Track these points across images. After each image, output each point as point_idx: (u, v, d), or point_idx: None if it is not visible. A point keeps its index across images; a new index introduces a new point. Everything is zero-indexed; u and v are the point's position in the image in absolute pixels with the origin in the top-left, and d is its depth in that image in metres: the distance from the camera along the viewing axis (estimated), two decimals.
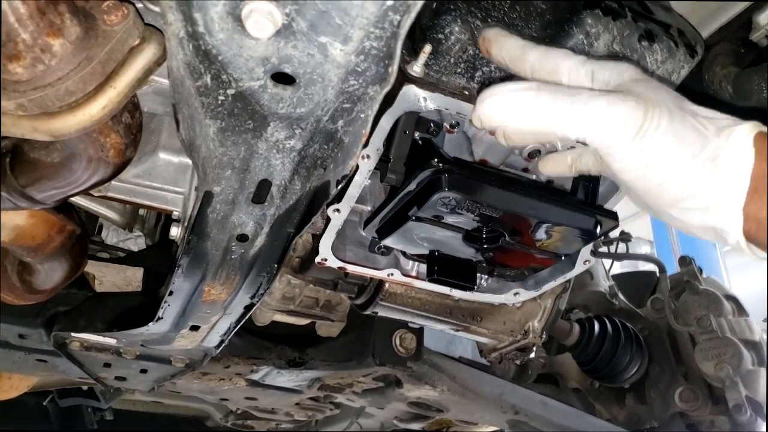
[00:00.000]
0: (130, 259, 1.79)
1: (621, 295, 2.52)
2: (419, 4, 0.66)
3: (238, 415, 2.86)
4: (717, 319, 2.19)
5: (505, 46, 0.88)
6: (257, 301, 1.24)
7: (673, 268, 2.46)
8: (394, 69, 0.76)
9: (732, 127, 0.73)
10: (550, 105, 0.77)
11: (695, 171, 0.73)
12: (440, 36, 0.97)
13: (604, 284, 2.57)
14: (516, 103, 0.78)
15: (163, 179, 1.34)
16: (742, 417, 2.07)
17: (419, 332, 1.85)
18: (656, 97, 0.76)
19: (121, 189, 1.34)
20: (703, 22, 1.38)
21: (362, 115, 0.84)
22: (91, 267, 1.69)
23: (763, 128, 0.74)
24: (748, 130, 0.73)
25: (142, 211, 1.92)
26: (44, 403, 3.12)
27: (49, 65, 0.74)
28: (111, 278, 1.70)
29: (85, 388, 2.90)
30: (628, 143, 0.74)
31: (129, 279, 1.72)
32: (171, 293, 1.20)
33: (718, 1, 1.30)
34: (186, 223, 1.29)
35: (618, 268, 2.90)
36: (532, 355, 1.76)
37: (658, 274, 2.32)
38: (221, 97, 0.80)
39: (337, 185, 0.96)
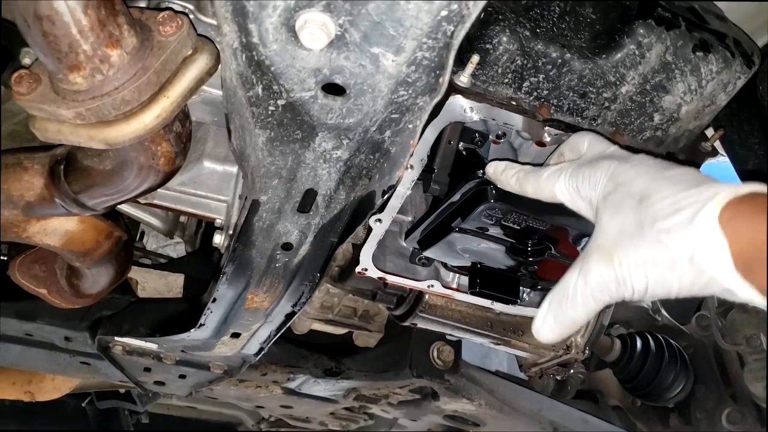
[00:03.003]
0: (171, 265, 1.82)
1: (664, 311, 2.44)
2: (474, 15, 0.65)
3: (271, 423, 2.87)
4: None
5: (503, 183, 0.98)
6: (299, 310, 1.24)
7: None
8: (445, 80, 0.75)
9: (696, 217, 0.72)
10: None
11: (679, 277, 0.74)
12: (488, 46, 0.96)
13: (647, 299, 2.50)
14: None
15: (208, 187, 1.36)
16: None
17: (457, 345, 1.83)
18: (619, 225, 0.79)
19: (166, 197, 1.37)
20: (757, 30, 1.34)
21: (410, 126, 0.84)
22: (134, 273, 1.72)
23: (733, 192, 0.71)
24: (712, 212, 0.71)
25: (182, 218, 1.96)
26: (83, 405, 3.20)
27: (107, 75, 0.76)
28: (153, 284, 1.73)
29: (122, 391, 2.96)
30: (615, 296, 0.80)
31: (170, 285, 1.75)
32: (214, 300, 1.21)
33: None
34: (230, 231, 1.30)
35: None
36: (572, 370, 1.72)
37: None
38: (271, 108, 0.81)
39: (382, 195, 0.96)
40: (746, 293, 0.70)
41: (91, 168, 0.98)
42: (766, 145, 1.42)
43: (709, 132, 1.24)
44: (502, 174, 0.98)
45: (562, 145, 1.00)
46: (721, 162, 1.38)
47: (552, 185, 0.89)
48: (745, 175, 1.45)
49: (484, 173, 1.02)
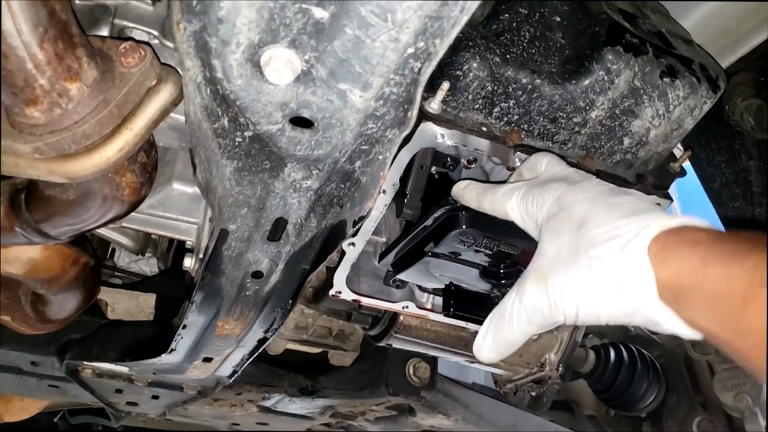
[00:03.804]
0: (142, 285, 1.79)
1: None
2: (441, 52, 0.65)
3: None
4: None
5: (465, 199, 1.00)
6: (271, 335, 1.22)
7: None
8: (413, 113, 0.75)
9: (626, 246, 0.73)
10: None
11: (608, 305, 0.75)
12: (458, 73, 0.96)
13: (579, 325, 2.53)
14: None
15: (177, 209, 1.33)
16: None
17: (433, 360, 1.83)
18: (556, 249, 0.80)
19: (135, 219, 1.33)
20: (723, 51, 1.37)
21: (380, 157, 0.83)
22: (104, 294, 1.68)
23: (666, 224, 0.72)
24: (642, 242, 0.72)
25: (154, 236, 1.92)
26: (55, 420, 3.12)
27: (66, 109, 0.74)
28: (124, 305, 1.70)
29: (95, 406, 2.89)
30: (548, 319, 0.81)
31: (141, 305, 1.72)
32: (185, 327, 1.18)
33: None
34: (200, 255, 1.28)
35: None
36: (546, 388, 1.73)
37: None
38: (238, 139, 0.79)
39: (353, 225, 0.95)
40: (672, 324, 0.71)
41: (53, 197, 0.96)
42: (732, 162, 1.44)
43: (677, 152, 1.25)
44: (464, 190, 0.99)
45: (522, 165, 1.00)
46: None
47: (505, 203, 0.91)
48: (713, 193, 1.48)
49: (455, 199, 1.02)
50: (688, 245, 0.69)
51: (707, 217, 0.78)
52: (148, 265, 2.17)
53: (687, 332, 0.71)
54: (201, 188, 0.89)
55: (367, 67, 0.65)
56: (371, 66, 0.65)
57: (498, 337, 0.87)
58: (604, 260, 0.74)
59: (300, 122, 0.75)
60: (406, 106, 0.73)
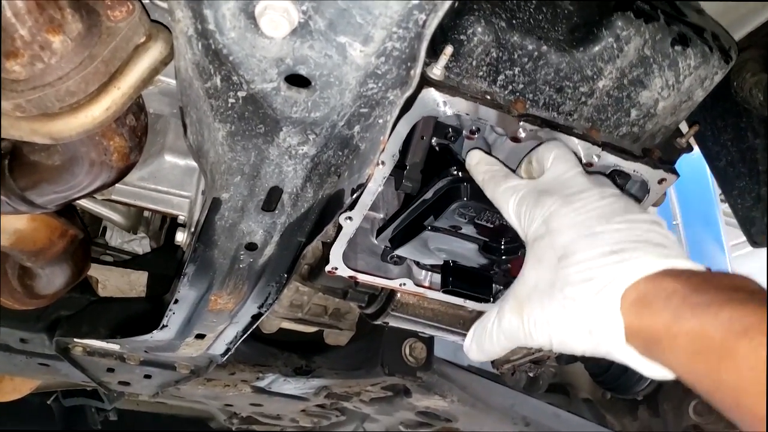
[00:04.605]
0: (134, 262, 1.75)
1: None
2: (447, 3, 0.61)
3: (242, 419, 2.82)
4: None
5: (473, 176, 0.98)
6: (265, 311, 1.19)
7: None
8: (416, 72, 0.71)
9: (600, 292, 0.73)
10: None
11: (579, 343, 0.76)
12: (462, 37, 0.92)
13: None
14: None
15: (169, 182, 1.29)
16: None
17: (429, 341, 1.80)
18: (535, 279, 0.81)
19: (125, 192, 1.30)
20: (732, 25, 1.32)
21: (380, 121, 0.80)
22: (95, 271, 1.65)
23: (646, 270, 0.71)
24: (616, 291, 0.72)
25: (146, 213, 1.88)
26: (48, 402, 3.10)
27: (48, 63, 0.70)
28: (115, 282, 1.66)
29: (89, 388, 2.87)
30: (524, 344, 0.83)
31: (133, 283, 1.68)
32: (176, 301, 1.15)
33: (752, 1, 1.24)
34: (192, 229, 1.24)
35: None
36: (543, 368, 1.71)
37: None
38: (231, 100, 0.75)
39: (352, 194, 0.91)
40: (645, 369, 0.71)
41: (38, 163, 0.92)
42: (738, 141, 1.41)
43: (684, 128, 1.22)
44: (475, 166, 0.98)
45: (532, 153, 0.98)
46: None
47: (503, 202, 0.91)
48: (718, 171, 1.45)
49: (457, 170, 0.98)
50: (663, 297, 0.68)
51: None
52: (141, 246, 2.13)
53: (660, 375, 0.71)
54: (192, 151, 0.85)
55: (369, 17, 0.62)
56: (373, 17, 0.61)
57: (481, 347, 0.91)
58: (577, 302, 0.75)
59: (296, 81, 0.72)
60: (409, 64, 0.69)
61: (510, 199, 0.89)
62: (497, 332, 0.86)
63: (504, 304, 0.85)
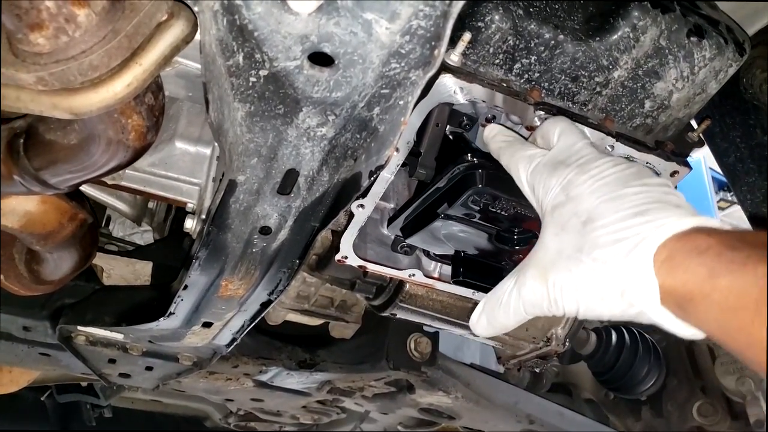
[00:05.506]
0: (138, 252, 1.75)
1: None
2: None
3: (240, 417, 2.80)
4: None
5: (490, 148, 0.98)
6: (275, 298, 1.19)
7: None
8: (440, 52, 0.71)
9: (631, 253, 0.72)
10: None
11: (609, 307, 0.75)
12: (480, 24, 0.92)
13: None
14: None
15: (179, 169, 1.29)
16: None
17: (434, 336, 1.80)
18: (559, 245, 0.80)
19: (134, 178, 1.30)
20: (742, 22, 1.33)
21: (401, 102, 0.80)
22: (99, 259, 1.64)
23: (675, 228, 0.71)
24: (648, 250, 0.71)
25: (151, 204, 1.88)
26: (42, 399, 3.06)
27: (72, 37, 0.69)
28: (119, 271, 1.65)
29: (84, 384, 2.84)
30: (546, 313, 0.82)
31: (138, 273, 1.68)
32: (186, 287, 1.15)
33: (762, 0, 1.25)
34: (202, 216, 1.24)
35: None
36: (550, 364, 1.71)
37: None
38: (253, 79, 0.75)
39: (369, 177, 0.91)
40: (676, 328, 0.71)
41: (54, 142, 0.91)
42: (747, 137, 1.42)
43: (694, 123, 1.23)
44: (492, 139, 0.97)
45: (536, 131, 0.98)
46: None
47: (518, 171, 0.89)
48: (727, 167, 1.46)
49: (473, 157, 0.98)
50: (696, 254, 0.67)
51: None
52: (142, 239, 2.12)
53: (691, 334, 0.70)
54: (212, 128, 0.85)
55: None
56: None
57: (493, 320, 0.89)
58: (609, 264, 0.73)
59: (319, 59, 0.72)
60: (433, 43, 0.69)
61: (525, 167, 0.88)
62: (516, 303, 0.84)
63: (524, 273, 0.83)
